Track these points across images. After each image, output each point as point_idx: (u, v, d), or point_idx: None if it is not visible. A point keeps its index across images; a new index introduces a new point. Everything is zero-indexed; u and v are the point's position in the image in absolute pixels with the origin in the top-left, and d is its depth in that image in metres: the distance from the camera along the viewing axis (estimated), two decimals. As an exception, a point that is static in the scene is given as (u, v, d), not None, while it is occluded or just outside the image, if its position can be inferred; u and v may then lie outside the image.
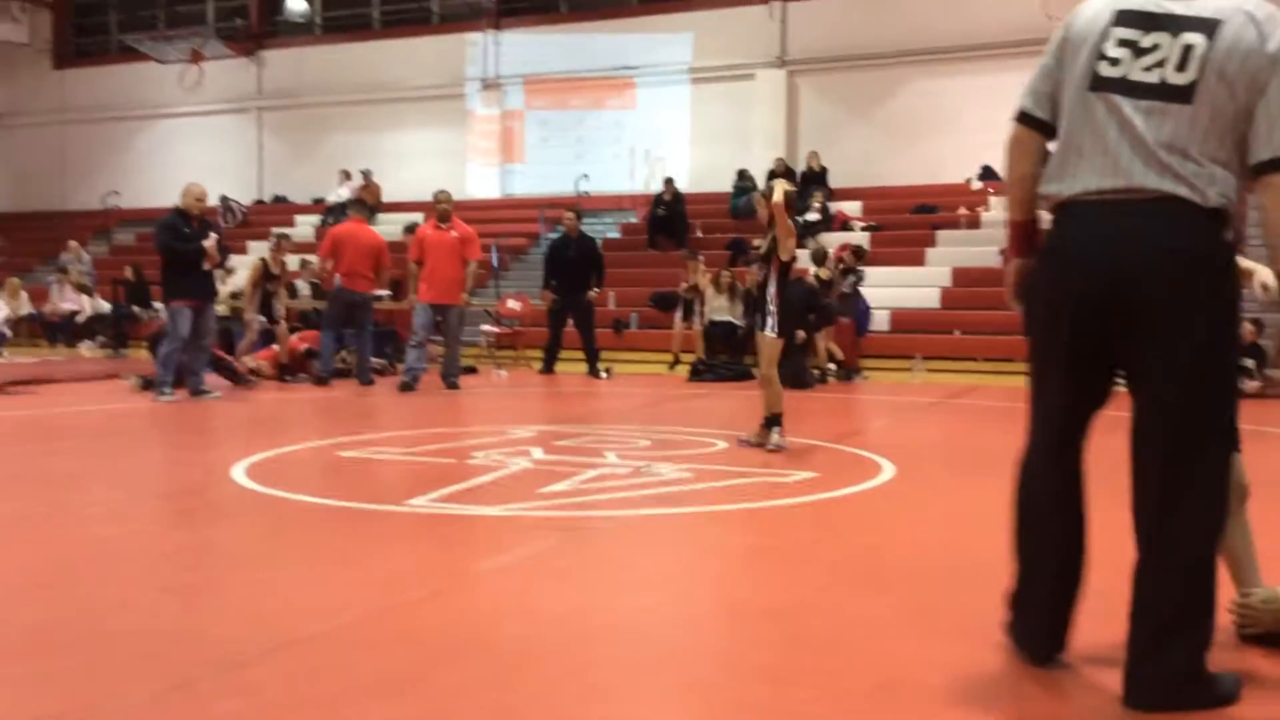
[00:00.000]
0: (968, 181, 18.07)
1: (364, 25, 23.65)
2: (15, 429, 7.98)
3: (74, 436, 7.69)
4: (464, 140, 22.35)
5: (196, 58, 23.51)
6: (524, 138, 22.24)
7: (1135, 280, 2.51)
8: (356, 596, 3.45)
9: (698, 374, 12.88)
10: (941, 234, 16.95)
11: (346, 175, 21.56)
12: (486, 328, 15.16)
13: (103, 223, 23.74)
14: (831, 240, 16.02)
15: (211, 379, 10.08)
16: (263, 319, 12.45)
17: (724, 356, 13.44)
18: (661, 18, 20.72)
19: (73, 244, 20.45)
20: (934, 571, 3.88)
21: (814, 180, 18.48)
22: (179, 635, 3.05)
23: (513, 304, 15.49)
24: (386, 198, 21.17)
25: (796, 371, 11.11)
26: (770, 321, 6.83)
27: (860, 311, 13.90)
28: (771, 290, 6.84)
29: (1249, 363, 11.26)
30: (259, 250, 16.15)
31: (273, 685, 2.67)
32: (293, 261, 14.37)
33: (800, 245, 10.14)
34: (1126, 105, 2.55)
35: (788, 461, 6.40)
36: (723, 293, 14.05)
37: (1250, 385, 11.05)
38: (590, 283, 13.19)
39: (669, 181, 18.66)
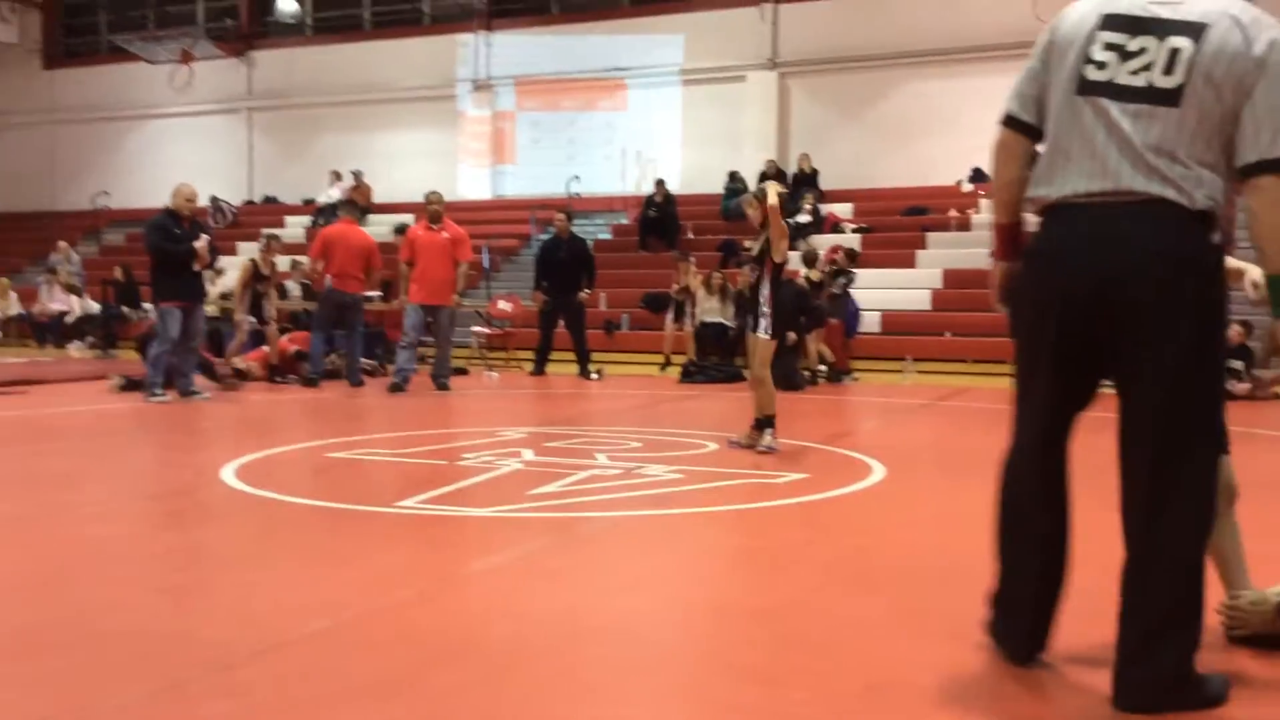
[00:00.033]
0: (958, 184, 18.12)
1: (355, 26, 23.62)
2: (4, 430, 7.94)
3: (63, 437, 7.66)
4: (455, 141, 22.34)
5: (186, 58, 23.44)
6: (515, 139, 22.22)
7: (1122, 282, 2.52)
8: (347, 598, 3.44)
9: (689, 375, 12.89)
10: (932, 236, 17.00)
11: (337, 176, 21.51)
12: (478, 329, 15.16)
13: (92, 223, 23.68)
14: (822, 242, 16.05)
15: (196, 379, 10.04)
16: (252, 320, 12.43)
17: (715, 358, 13.46)
18: (653, 19, 20.74)
19: (62, 244, 20.40)
20: (924, 572, 3.89)
21: (805, 182, 18.51)
22: (169, 636, 3.04)
23: (504, 305, 15.50)
24: (377, 199, 21.12)
25: (787, 373, 11.11)
26: (764, 323, 6.84)
27: (850, 313, 13.93)
28: (765, 292, 6.86)
29: (1237, 364, 11.29)
30: (249, 251, 16.11)
31: (263, 686, 2.67)
32: (283, 262, 14.34)
33: (791, 247, 10.15)
34: (1114, 109, 2.56)
35: (778, 463, 6.41)
36: (714, 294, 14.08)
37: (1239, 387, 11.09)
38: (581, 284, 13.21)
39: (660, 183, 18.67)
